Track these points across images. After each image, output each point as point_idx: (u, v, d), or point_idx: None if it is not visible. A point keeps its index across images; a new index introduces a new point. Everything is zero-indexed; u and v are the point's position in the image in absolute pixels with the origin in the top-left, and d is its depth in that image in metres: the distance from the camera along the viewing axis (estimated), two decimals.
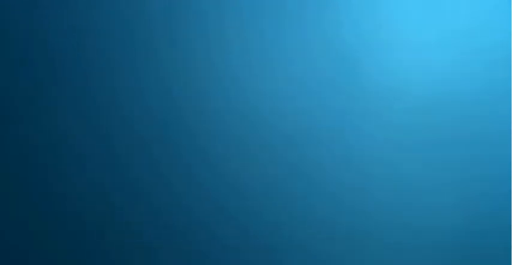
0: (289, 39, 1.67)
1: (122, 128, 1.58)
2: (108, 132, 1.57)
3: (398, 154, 1.70)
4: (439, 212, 1.70)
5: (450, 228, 1.70)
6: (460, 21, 1.76)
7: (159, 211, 1.58)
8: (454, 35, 1.75)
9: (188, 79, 1.62)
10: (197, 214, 1.60)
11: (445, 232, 1.70)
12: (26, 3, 1.55)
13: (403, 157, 1.70)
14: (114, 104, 1.58)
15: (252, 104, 1.64)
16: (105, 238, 1.55)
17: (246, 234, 1.61)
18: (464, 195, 1.71)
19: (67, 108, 1.56)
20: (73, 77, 1.56)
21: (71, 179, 1.54)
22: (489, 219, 1.72)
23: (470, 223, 1.71)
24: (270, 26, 1.67)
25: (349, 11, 1.70)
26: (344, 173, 1.67)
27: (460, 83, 1.74)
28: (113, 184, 1.56)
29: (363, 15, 1.71)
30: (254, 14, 1.66)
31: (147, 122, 1.59)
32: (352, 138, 1.68)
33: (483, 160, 1.73)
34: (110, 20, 1.59)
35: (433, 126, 1.72)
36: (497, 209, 1.72)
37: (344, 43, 1.70)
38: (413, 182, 1.70)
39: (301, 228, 1.64)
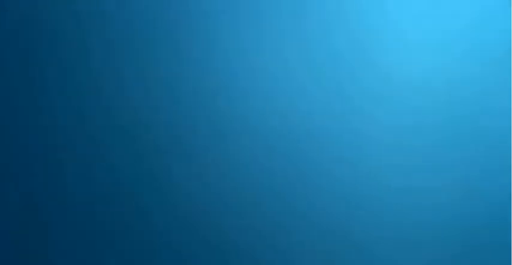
0: (289, 40, 1.67)
1: (128, 128, 1.58)
2: (102, 131, 1.57)
3: (398, 154, 1.70)
4: (439, 212, 1.70)
5: (450, 229, 1.70)
6: (460, 20, 1.76)
7: (154, 213, 1.58)
8: (454, 35, 1.75)
9: (190, 79, 1.62)
10: (198, 215, 1.60)
11: (445, 232, 1.70)
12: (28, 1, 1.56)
13: (404, 156, 1.70)
14: (112, 104, 1.58)
15: (251, 104, 1.64)
16: (100, 237, 1.55)
17: (250, 233, 1.62)
18: (464, 196, 1.71)
19: (66, 107, 1.56)
20: (72, 77, 1.57)
21: (68, 179, 1.55)
22: (490, 219, 1.72)
23: (470, 223, 1.71)
24: (268, 25, 1.67)
25: (348, 11, 1.71)
26: (343, 173, 1.67)
27: (460, 82, 1.74)
28: (105, 183, 1.56)
29: (362, 15, 1.71)
30: (252, 14, 1.66)
31: (153, 122, 1.59)
32: (351, 138, 1.68)
33: (483, 159, 1.73)
34: (109, 19, 1.59)
35: (433, 125, 1.72)
36: (498, 209, 1.72)
37: (342, 42, 1.70)
38: (414, 181, 1.69)
39: (299, 227, 1.64)
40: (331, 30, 1.69)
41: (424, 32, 1.74)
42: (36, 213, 1.53)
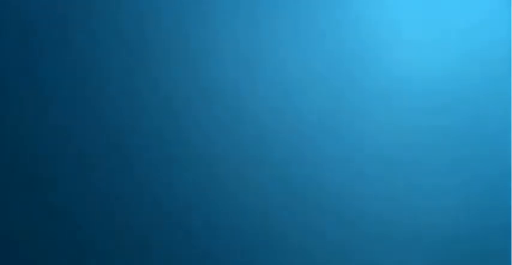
0: (285, 38, 1.67)
1: (131, 128, 1.57)
2: (107, 132, 1.56)
3: (399, 154, 1.70)
4: (440, 212, 1.71)
5: (451, 229, 1.71)
6: (460, 19, 1.77)
7: (160, 212, 1.57)
8: (454, 35, 1.76)
9: (199, 78, 1.61)
10: (203, 216, 1.59)
11: (446, 233, 1.71)
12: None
13: (404, 156, 1.70)
14: (116, 103, 1.57)
15: (261, 103, 1.64)
16: (106, 239, 1.54)
17: (255, 232, 1.61)
18: (464, 195, 1.72)
19: (66, 107, 1.55)
20: (73, 77, 1.55)
21: (74, 179, 1.53)
22: (490, 219, 1.73)
23: (470, 223, 1.72)
24: (265, 23, 1.67)
25: (348, 10, 1.71)
26: (343, 174, 1.67)
27: (460, 82, 1.75)
28: (113, 183, 1.55)
29: (363, 15, 1.72)
30: (268, 14, 1.66)
31: (159, 122, 1.58)
32: (352, 138, 1.69)
33: (483, 160, 1.74)
34: (109, 20, 1.58)
35: (433, 125, 1.73)
36: (498, 209, 1.73)
37: (343, 42, 1.70)
38: (414, 182, 1.70)
39: (300, 226, 1.64)
40: (339, 32, 1.70)
41: (424, 32, 1.75)
42: (35, 213, 1.51)
